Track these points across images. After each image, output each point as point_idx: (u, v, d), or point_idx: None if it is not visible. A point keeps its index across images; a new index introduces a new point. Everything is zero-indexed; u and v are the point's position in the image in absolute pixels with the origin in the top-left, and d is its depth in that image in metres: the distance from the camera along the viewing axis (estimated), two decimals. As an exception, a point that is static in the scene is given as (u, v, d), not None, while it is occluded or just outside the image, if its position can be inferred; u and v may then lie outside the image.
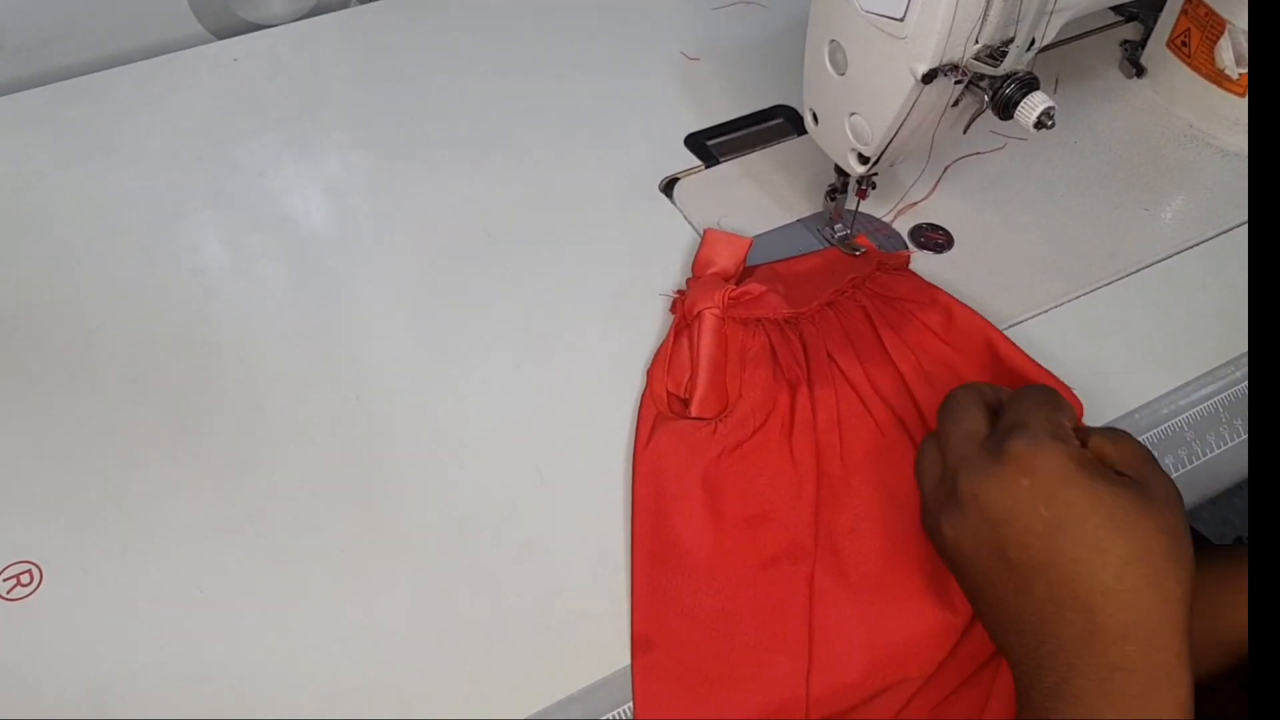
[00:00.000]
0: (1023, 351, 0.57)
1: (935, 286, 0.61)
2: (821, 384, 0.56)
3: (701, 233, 0.64)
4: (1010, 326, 0.61)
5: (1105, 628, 0.39)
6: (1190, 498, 0.57)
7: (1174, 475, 0.57)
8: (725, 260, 0.61)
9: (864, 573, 0.50)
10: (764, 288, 0.59)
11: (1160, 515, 0.42)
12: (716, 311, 0.57)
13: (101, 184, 0.69)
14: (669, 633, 0.48)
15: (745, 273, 0.62)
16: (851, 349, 0.57)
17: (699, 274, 0.62)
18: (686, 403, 0.56)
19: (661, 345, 0.59)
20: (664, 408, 0.56)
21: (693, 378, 0.56)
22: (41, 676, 0.47)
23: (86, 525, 0.52)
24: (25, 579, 0.50)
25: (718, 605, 0.49)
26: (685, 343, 0.58)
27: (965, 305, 0.60)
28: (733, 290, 0.58)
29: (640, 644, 0.48)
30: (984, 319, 0.59)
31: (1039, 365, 0.57)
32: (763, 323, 0.58)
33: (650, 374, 0.58)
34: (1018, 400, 0.47)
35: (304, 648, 0.49)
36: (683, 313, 0.59)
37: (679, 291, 0.61)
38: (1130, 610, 0.39)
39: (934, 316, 0.59)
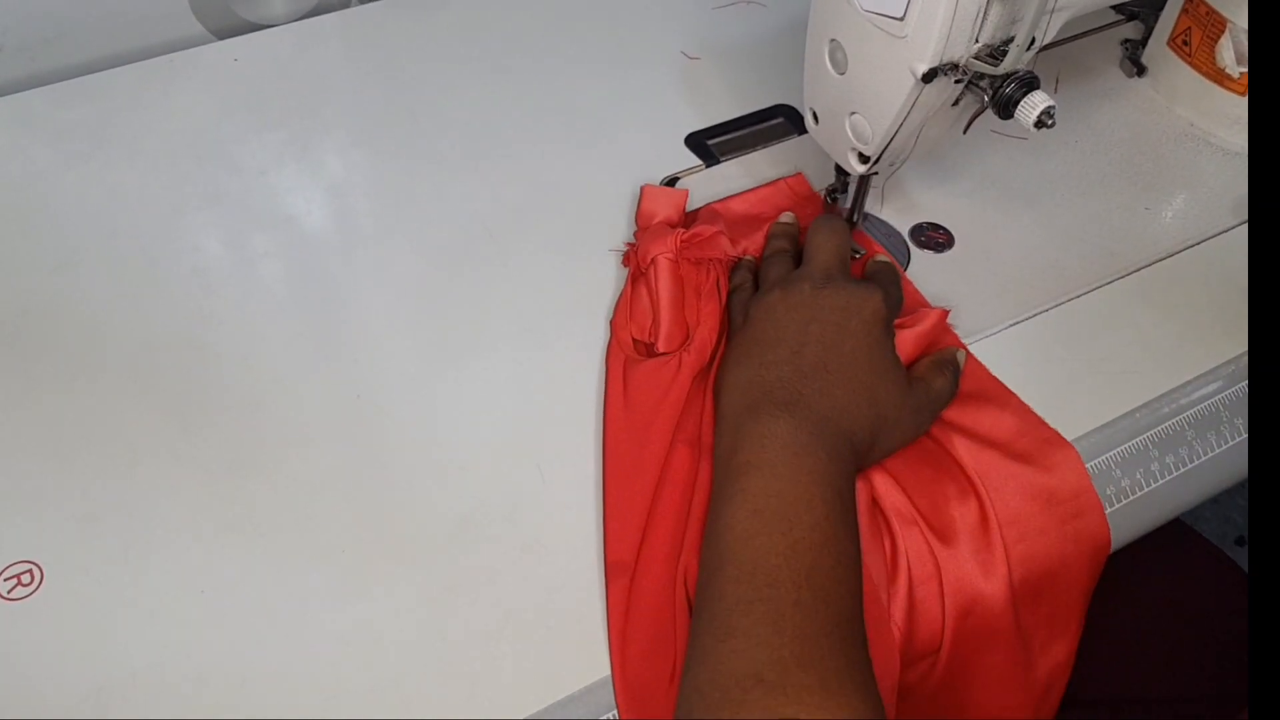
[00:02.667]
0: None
1: (869, 240, 0.66)
2: None
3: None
4: (1010, 325, 0.61)
5: (836, 401, 0.51)
6: (1191, 497, 0.57)
7: (1175, 474, 0.57)
8: (667, 211, 0.66)
9: None
10: (713, 229, 0.62)
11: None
12: (670, 255, 0.61)
13: (102, 184, 0.69)
14: (639, 559, 0.51)
15: (687, 219, 0.66)
16: None
17: (643, 225, 0.66)
18: (651, 346, 0.59)
19: (620, 296, 0.62)
20: (630, 353, 0.59)
21: (655, 319, 0.60)
22: (42, 676, 0.47)
23: (87, 525, 0.52)
24: (26, 579, 0.50)
25: (673, 530, 0.52)
26: (643, 290, 0.61)
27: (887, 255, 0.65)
28: (684, 234, 0.61)
29: (615, 569, 0.51)
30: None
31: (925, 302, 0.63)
32: (712, 262, 0.61)
33: (613, 324, 0.61)
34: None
35: (305, 647, 0.49)
36: (636, 262, 0.62)
37: (629, 244, 0.65)
38: (856, 408, 0.51)
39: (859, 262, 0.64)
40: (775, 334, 0.53)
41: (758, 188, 0.69)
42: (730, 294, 0.59)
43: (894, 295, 0.57)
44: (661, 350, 0.59)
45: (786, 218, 0.64)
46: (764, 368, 0.52)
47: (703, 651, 0.44)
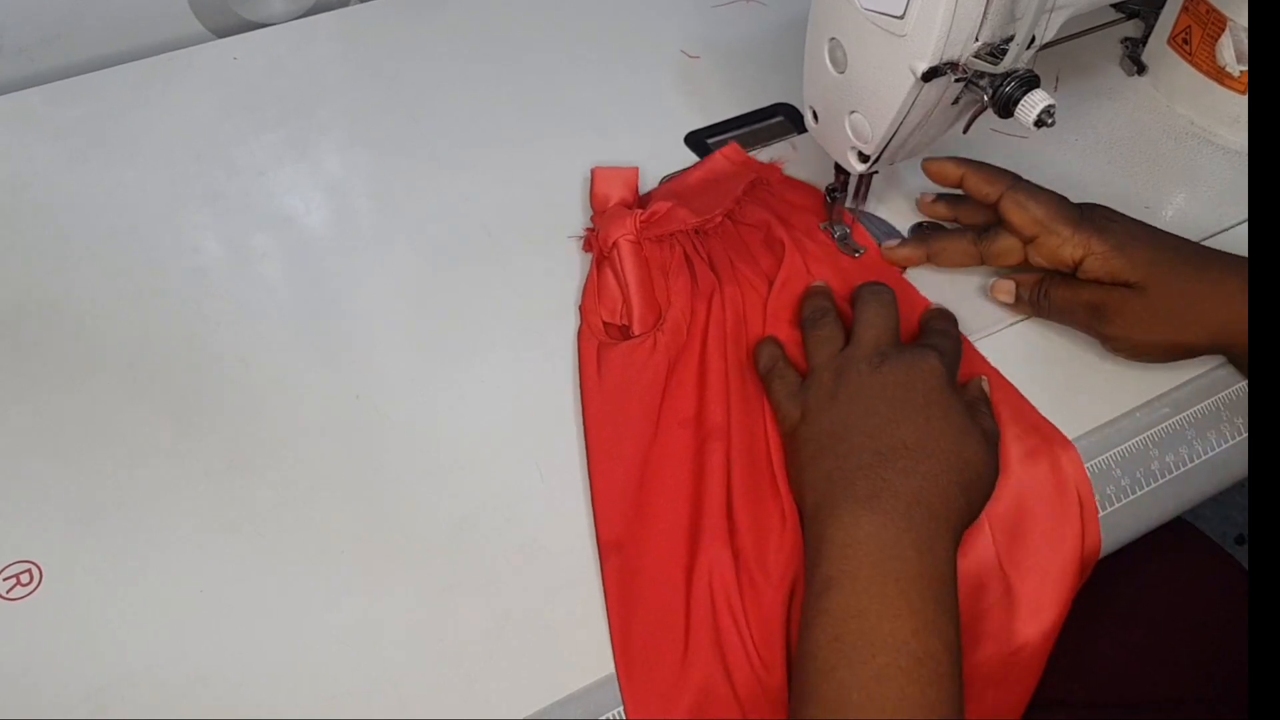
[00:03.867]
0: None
1: (821, 193, 0.67)
2: (728, 286, 0.61)
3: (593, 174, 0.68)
4: (1010, 325, 0.61)
5: (922, 473, 0.48)
6: (1191, 496, 0.57)
7: (1174, 474, 0.57)
8: (621, 191, 0.67)
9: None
10: (669, 204, 0.63)
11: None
12: (631, 237, 0.61)
13: (101, 183, 0.69)
14: (633, 537, 0.52)
15: (641, 200, 0.67)
16: (750, 254, 0.63)
17: (600, 209, 0.66)
18: (624, 329, 0.60)
19: (586, 282, 0.63)
20: (603, 337, 0.60)
21: (626, 303, 0.60)
22: (41, 676, 0.47)
23: (86, 525, 0.52)
24: (25, 579, 0.50)
25: (671, 509, 0.52)
26: (609, 273, 0.62)
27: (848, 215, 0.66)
28: (641, 214, 0.62)
29: (607, 548, 0.51)
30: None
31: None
32: (675, 236, 0.62)
33: (583, 309, 0.62)
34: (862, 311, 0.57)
35: (304, 648, 0.49)
36: (599, 247, 0.63)
37: (588, 230, 0.65)
38: (943, 475, 0.49)
39: (815, 218, 0.66)
40: (843, 423, 0.51)
41: (699, 163, 0.70)
42: (768, 381, 0.56)
43: (950, 347, 0.56)
44: (637, 332, 0.59)
45: (818, 285, 0.60)
46: (841, 458, 0.50)
47: None
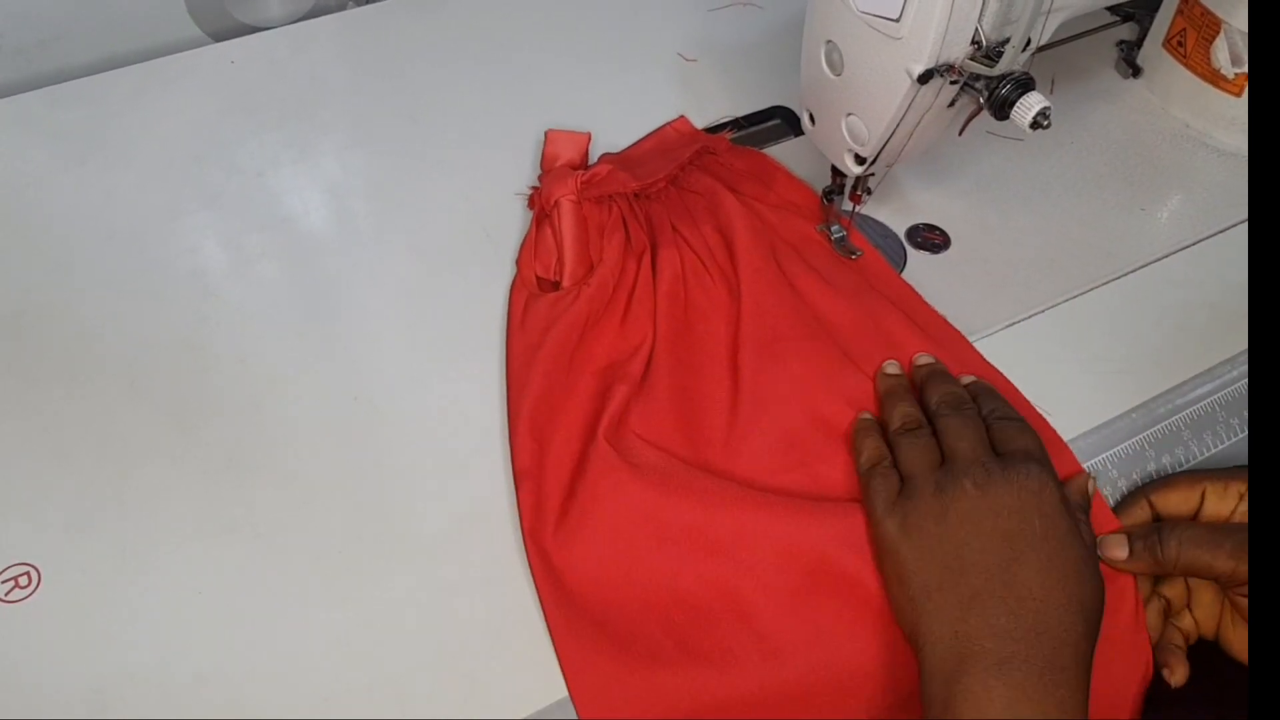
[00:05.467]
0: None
1: (769, 158, 0.69)
2: (665, 247, 0.62)
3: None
4: (1007, 326, 0.61)
5: (1052, 629, 0.45)
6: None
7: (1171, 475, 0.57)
8: (570, 153, 0.69)
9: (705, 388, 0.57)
10: (611, 166, 0.65)
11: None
12: (572, 197, 0.63)
13: (99, 186, 0.69)
14: (539, 467, 0.53)
15: (590, 166, 0.68)
16: (691, 218, 0.64)
17: (547, 169, 0.68)
18: (556, 284, 0.62)
19: (525, 237, 0.65)
20: (533, 289, 0.62)
21: (560, 259, 0.62)
22: (40, 678, 0.47)
23: (85, 527, 0.52)
24: (24, 581, 0.50)
25: (580, 445, 0.54)
26: (548, 230, 0.64)
27: (793, 176, 0.68)
28: (583, 175, 0.65)
29: (520, 476, 0.53)
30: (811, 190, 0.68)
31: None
32: (615, 198, 0.64)
33: (519, 262, 0.64)
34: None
35: (303, 648, 0.49)
36: (540, 205, 0.65)
37: (533, 188, 0.67)
38: (1072, 626, 0.46)
39: (762, 185, 0.67)
40: (957, 557, 0.47)
41: (650, 134, 0.72)
42: (867, 480, 0.52)
43: (1037, 447, 0.51)
44: (566, 287, 0.61)
45: (892, 368, 0.57)
46: (963, 608, 0.46)
47: None
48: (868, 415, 0.55)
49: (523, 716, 0.47)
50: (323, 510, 0.53)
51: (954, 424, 0.52)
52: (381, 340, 0.61)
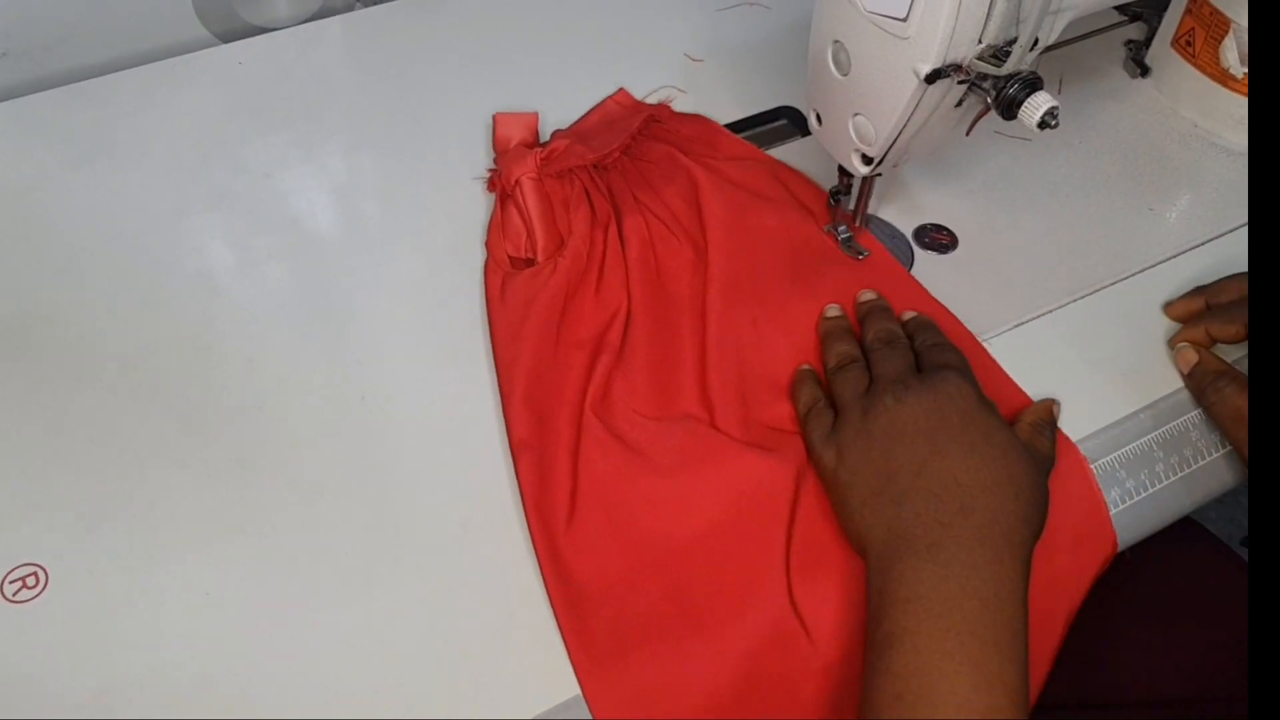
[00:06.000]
0: (799, 174, 0.69)
1: (713, 123, 0.72)
2: (630, 215, 0.64)
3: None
4: (1015, 326, 0.61)
5: (979, 509, 0.48)
6: (1196, 497, 0.57)
7: (1179, 475, 0.57)
8: (521, 134, 0.71)
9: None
10: (567, 141, 0.67)
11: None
12: (533, 175, 0.65)
13: (107, 187, 0.69)
14: (538, 439, 0.55)
15: (541, 144, 0.70)
16: (651, 186, 0.66)
17: (501, 151, 0.70)
18: (528, 261, 0.63)
19: (491, 219, 0.66)
20: (507, 269, 0.63)
21: (530, 235, 0.64)
22: (47, 679, 0.47)
23: (92, 527, 0.52)
24: (31, 581, 0.50)
25: (575, 420, 0.56)
26: (513, 210, 0.65)
27: (740, 140, 0.71)
28: (541, 152, 0.66)
29: (518, 447, 0.54)
30: (761, 152, 0.70)
31: (810, 182, 0.68)
32: (575, 172, 0.66)
33: (488, 244, 0.65)
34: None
35: (309, 649, 0.49)
36: (502, 186, 0.67)
37: (490, 170, 0.69)
38: (1001, 504, 0.48)
39: (709, 146, 0.70)
40: (885, 463, 0.50)
41: (592, 109, 0.74)
42: (805, 422, 0.55)
43: (958, 360, 0.55)
44: (541, 261, 0.62)
45: (833, 310, 0.60)
46: (892, 503, 0.49)
47: None
48: (806, 366, 0.58)
49: (530, 717, 0.47)
50: (330, 511, 0.53)
51: (882, 354, 0.56)
52: (388, 341, 0.61)
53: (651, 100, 0.75)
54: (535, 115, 0.72)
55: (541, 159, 0.66)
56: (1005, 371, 0.59)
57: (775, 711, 0.49)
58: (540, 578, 0.51)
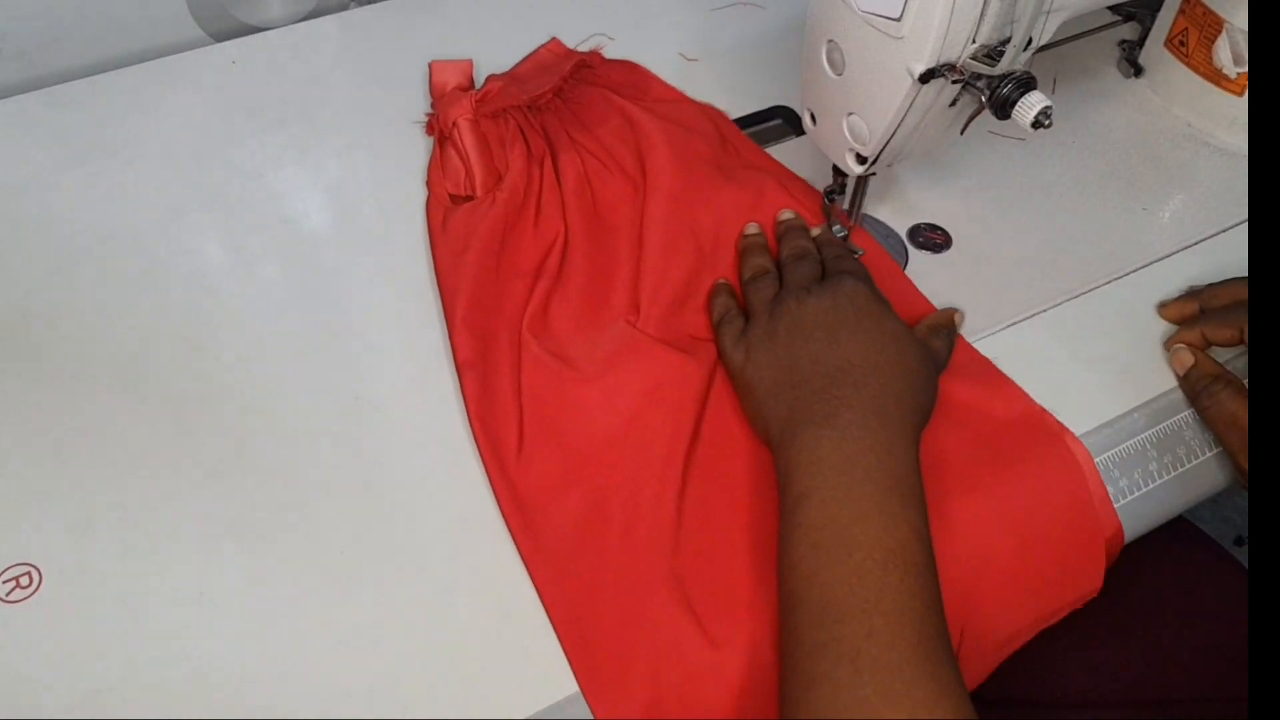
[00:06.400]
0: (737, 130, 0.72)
1: (643, 69, 0.76)
2: (565, 154, 0.67)
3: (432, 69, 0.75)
4: (1009, 325, 0.61)
5: (872, 386, 0.51)
6: (1190, 496, 0.57)
7: (1173, 474, 0.57)
8: (457, 79, 0.74)
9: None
10: (500, 83, 0.71)
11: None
12: (469, 116, 0.68)
13: (100, 187, 0.69)
14: (480, 359, 0.58)
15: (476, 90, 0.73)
16: (584, 126, 0.70)
17: (438, 96, 0.73)
18: (469, 198, 0.66)
19: (430, 160, 0.69)
20: (447, 205, 0.66)
21: (469, 173, 0.67)
22: (41, 679, 0.47)
23: (86, 527, 0.52)
24: (25, 581, 0.50)
25: (516, 342, 0.59)
26: (451, 150, 0.68)
27: (669, 85, 0.75)
28: (476, 94, 0.69)
29: (463, 367, 0.57)
30: (694, 102, 0.74)
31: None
32: (509, 112, 0.69)
33: (429, 183, 0.68)
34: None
35: (304, 649, 0.49)
36: (440, 128, 0.69)
37: (428, 114, 0.72)
38: (892, 382, 0.52)
39: (640, 91, 0.74)
40: (788, 356, 0.54)
41: (524, 59, 0.77)
42: (718, 329, 0.59)
43: (857, 267, 0.59)
44: (479, 196, 0.66)
45: (752, 229, 0.64)
46: (792, 388, 0.52)
47: (792, 703, 0.44)
48: (722, 280, 0.62)
49: (523, 717, 0.47)
50: (324, 511, 0.53)
51: (793, 267, 0.60)
52: (382, 341, 0.61)
53: (584, 49, 0.77)
54: (470, 61, 0.75)
55: (477, 100, 0.69)
56: (917, 288, 0.63)
57: (703, 586, 0.51)
58: (534, 583, 0.51)
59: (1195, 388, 0.58)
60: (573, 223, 0.64)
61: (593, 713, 0.47)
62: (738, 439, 0.56)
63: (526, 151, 0.67)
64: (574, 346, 0.59)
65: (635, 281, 0.61)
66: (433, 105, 0.73)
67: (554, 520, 0.52)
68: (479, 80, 0.75)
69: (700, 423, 0.56)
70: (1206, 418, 0.57)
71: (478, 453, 0.55)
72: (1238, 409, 0.56)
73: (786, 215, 0.65)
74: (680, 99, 0.74)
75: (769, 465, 0.53)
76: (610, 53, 0.79)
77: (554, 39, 0.78)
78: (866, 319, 0.54)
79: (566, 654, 0.49)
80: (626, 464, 0.54)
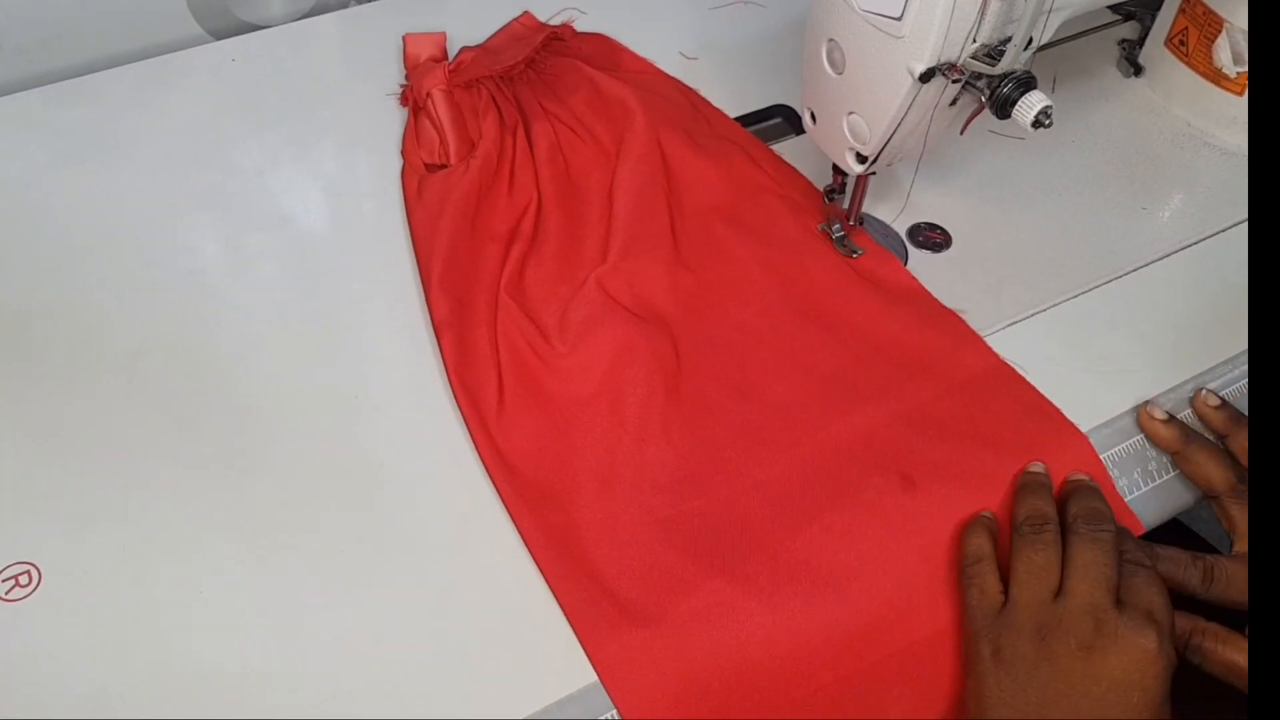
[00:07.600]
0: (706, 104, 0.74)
1: (614, 41, 0.78)
2: (537, 121, 0.69)
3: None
4: (1008, 325, 0.61)
5: None
6: (1188, 497, 0.57)
7: (1172, 474, 0.57)
8: (431, 50, 0.76)
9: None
10: (473, 54, 0.73)
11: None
12: (442, 86, 0.70)
13: (100, 184, 0.68)
14: (457, 318, 0.59)
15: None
16: (556, 96, 0.72)
17: (412, 67, 0.75)
18: (443, 166, 0.67)
19: (405, 131, 0.71)
20: (422, 173, 0.68)
21: (443, 142, 0.68)
22: (40, 677, 0.47)
23: (85, 526, 0.52)
24: (24, 579, 0.50)
25: (493, 301, 0.60)
26: (425, 120, 0.70)
27: (641, 57, 0.77)
28: (450, 65, 0.71)
29: (440, 326, 0.59)
30: (659, 71, 0.76)
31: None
32: (482, 82, 0.71)
33: (404, 152, 0.70)
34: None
35: (303, 648, 0.49)
36: (414, 99, 0.71)
37: (403, 85, 0.74)
38: None
39: (611, 63, 0.76)
40: (1043, 710, 0.45)
41: (496, 32, 0.79)
42: (966, 580, 0.50)
43: (1161, 602, 0.48)
44: (454, 164, 0.67)
45: (1036, 467, 0.54)
46: None
47: None
48: (987, 513, 0.53)
49: (522, 717, 0.47)
50: (324, 509, 0.53)
51: (1085, 548, 0.49)
52: (381, 339, 0.61)
53: (555, 22, 0.79)
54: (443, 34, 0.76)
55: (450, 70, 0.70)
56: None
57: (683, 535, 0.52)
58: (533, 579, 0.51)
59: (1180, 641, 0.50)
60: (545, 189, 0.66)
61: (582, 646, 0.48)
62: (711, 397, 0.57)
63: (500, 120, 0.68)
64: (548, 313, 0.60)
65: (606, 243, 0.63)
66: (407, 77, 0.74)
67: (534, 474, 0.54)
68: (452, 52, 0.76)
69: (677, 378, 0.58)
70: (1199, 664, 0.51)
71: (457, 409, 0.56)
72: (1238, 659, 0.49)
73: (1079, 476, 0.54)
74: (651, 70, 0.76)
75: (745, 418, 0.56)
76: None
77: (526, 12, 0.79)
78: (1144, 711, 0.45)
79: (549, 584, 0.50)
80: (602, 422, 0.55)
